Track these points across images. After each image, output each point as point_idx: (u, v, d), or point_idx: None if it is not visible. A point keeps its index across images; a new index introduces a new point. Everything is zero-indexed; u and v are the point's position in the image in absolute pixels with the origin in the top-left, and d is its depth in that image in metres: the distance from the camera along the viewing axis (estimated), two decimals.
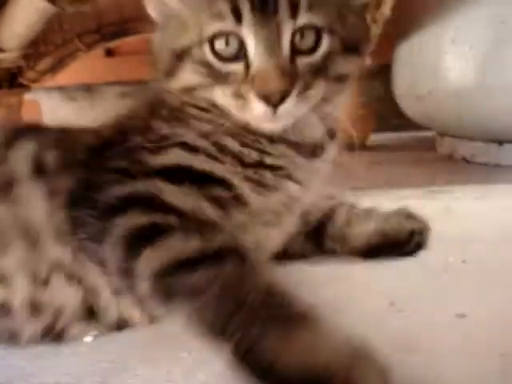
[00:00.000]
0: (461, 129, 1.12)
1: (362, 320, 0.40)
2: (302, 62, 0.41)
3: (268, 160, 0.46)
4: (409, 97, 1.18)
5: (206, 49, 0.42)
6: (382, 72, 1.27)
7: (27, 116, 1.46)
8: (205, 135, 0.43)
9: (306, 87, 0.41)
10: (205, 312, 0.34)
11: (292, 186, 0.47)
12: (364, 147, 1.40)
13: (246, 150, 0.45)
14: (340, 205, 0.59)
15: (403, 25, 1.10)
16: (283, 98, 0.39)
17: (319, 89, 0.42)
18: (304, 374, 0.29)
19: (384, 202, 0.79)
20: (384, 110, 1.42)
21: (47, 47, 1.32)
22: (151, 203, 0.40)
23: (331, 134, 0.51)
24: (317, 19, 0.41)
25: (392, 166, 1.17)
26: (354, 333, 0.32)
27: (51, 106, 1.70)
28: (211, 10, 0.41)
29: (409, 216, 0.58)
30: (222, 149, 0.44)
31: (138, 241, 0.37)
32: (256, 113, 0.41)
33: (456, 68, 0.99)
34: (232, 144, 0.44)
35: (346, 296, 0.48)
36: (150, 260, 0.36)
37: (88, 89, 1.62)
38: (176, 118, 0.45)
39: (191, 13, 0.42)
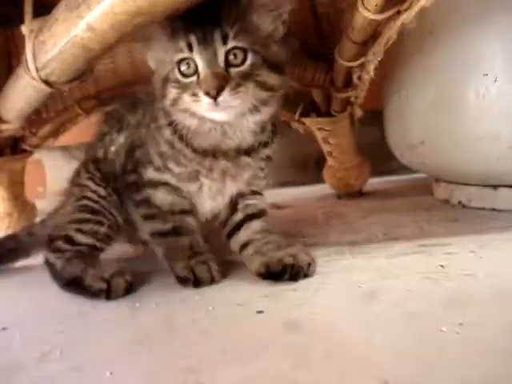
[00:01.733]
0: (456, 175, 1.14)
1: None
2: (234, 70, 0.65)
3: (194, 166, 0.76)
4: (401, 145, 1.20)
5: (175, 71, 0.68)
6: (376, 116, 1.30)
7: (30, 175, 1.50)
8: (169, 142, 0.75)
9: (237, 86, 0.64)
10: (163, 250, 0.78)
11: (207, 183, 0.78)
12: (360, 194, 1.41)
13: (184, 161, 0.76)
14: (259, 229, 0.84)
15: (390, 70, 1.13)
16: (218, 92, 0.63)
17: (247, 88, 0.65)
18: None
19: (380, 260, 0.81)
20: (380, 155, 1.43)
21: (48, 114, 1.36)
22: (148, 202, 0.79)
23: (262, 141, 0.75)
24: (242, 43, 0.65)
25: (389, 214, 1.17)
26: None
27: (54, 165, 1.74)
28: (175, 47, 0.67)
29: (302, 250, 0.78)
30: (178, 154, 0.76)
31: (145, 219, 0.81)
32: (204, 105, 0.65)
33: (445, 121, 1.01)
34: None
35: None
36: (145, 226, 0.81)
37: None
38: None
39: (166, 54, 0.69)
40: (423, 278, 0.70)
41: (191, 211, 0.80)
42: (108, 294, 0.72)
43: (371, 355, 0.49)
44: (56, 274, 0.78)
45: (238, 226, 0.82)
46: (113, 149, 0.85)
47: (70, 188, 0.91)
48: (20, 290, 0.88)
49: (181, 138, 0.73)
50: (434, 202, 1.25)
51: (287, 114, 1.33)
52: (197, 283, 0.73)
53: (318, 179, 1.72)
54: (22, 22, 0.73)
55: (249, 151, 0.75)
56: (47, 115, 1.37)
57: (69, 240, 0.80)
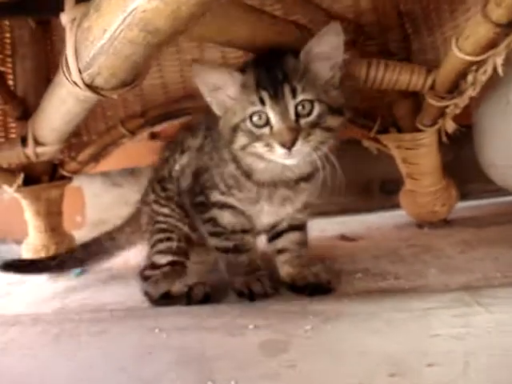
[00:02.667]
0: None
1: None
2: (303, 121, 0.71)
3: (255, 194, 0.82)
4: (505, 166, 0.99)
5: (248, 122, 0.72)
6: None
7: (68, 204, 1.36)
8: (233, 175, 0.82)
9: (307, 135, 0.71)
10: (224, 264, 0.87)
11: (266, 206, 0.84)
12: (445, 222, 1.19)
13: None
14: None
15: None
16: (293, 143, 0.69)
17: (316, 136, 0.71)
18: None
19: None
20: (453, 177, 1.20)
21: (89, 136, 1.23)
22: (215, 222, 0.86)
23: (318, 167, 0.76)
24: (309, 95, 0.70)
25: (492, 247, 0.96)
26: None
27: (94, 192, 1.61)
28: (248, 101, 0.72)
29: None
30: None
31: (210, 235, 0.88)
32: (278, 154, 0.71)
33: None
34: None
35: None
36: (210, 240, 0.88)
37: (132, 173, 1.52)
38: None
39: (237, 105, 0.74)
40: None
41: (251, 230, 0.89)
42: (188, 299, 0.85)
43: None
44: (151, 299, 0.90)
45: (281, 233, 0.92)
46: (177, 168, 0.93)
47: (140, 205, 1.03)
48: None
49: (244, 173, 0.80)
50: None
51: (358, 131, 1.16)
52: (252, 297, 0.82)
53: (384, 206, 1.52)
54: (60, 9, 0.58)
55: (307, 178, 0.82)
56: (88, 137, 1.24)
57: (153, 266, 0.92)
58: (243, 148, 0.74)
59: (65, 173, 1.22)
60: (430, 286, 0.81)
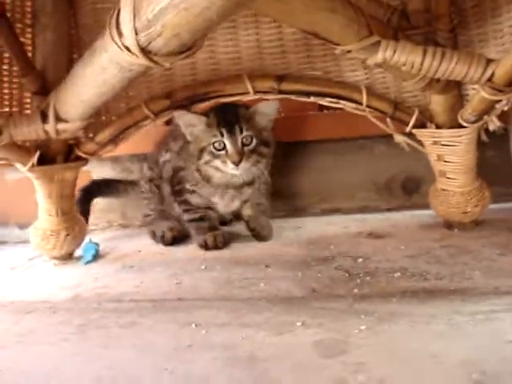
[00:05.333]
0: None
1: None
2: (246, 148, 1.10)
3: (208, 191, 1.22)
4: None
5: (211, 147, 1.10)
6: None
7: (78, 187, 1.29)
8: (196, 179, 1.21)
9: (248, 157, 1.10)
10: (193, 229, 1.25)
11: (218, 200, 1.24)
12: (476, 223, 1.15)
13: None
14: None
15: None
16: (240, 161, 1.08)
17: (253, 158, 1.11)
18: None
19: None
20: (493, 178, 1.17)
21: (109, 116, 1.16)
22: (187, 202, 1.25)
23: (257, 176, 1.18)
24: (250, 133, 1.10)
25: None
26: None
27: (104, 177, 1.54)
28: (212, 133, 1.10)
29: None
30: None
31: (183, 211, 1.26)
32: (230, 168, 1.09)
33: None
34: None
35: None
36: (184, 215, 1.27)
37: (143, 159, 1.45)
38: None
39: (204, 135, 1.12)
40: None
41: (212, 208, 1.25)
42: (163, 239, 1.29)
43: None
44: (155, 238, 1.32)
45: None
46: (161, 161, 1.32)
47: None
48: None
49: (204, 178, 1.18)
50: None
51: (392, 126, 1.11)
52: (208, 248, 1.18)
53: (406, 205, 1.48)
54: None
55: (249, 184, 1.20)
56: (107, 117, 1.17)
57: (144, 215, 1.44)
58: (207, 163, 1.12)
59: (81, 154, 1.15)
60: (479, 289, 0.77)
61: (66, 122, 0.93)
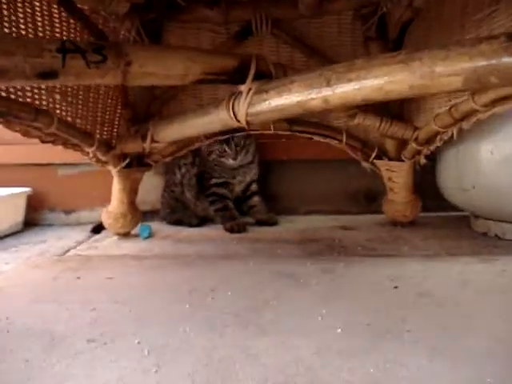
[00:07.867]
0: (495, 213, 1.49)
1: None
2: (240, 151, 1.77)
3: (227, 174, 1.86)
4: (454, 188, 1.56)
5: (217, 152, 1.80)
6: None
7: None
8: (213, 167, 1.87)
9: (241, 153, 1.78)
10: (220, 218, 1.81)
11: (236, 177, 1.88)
12: (411, 223, 1.75)
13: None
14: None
15: None
16: (237, 157, 1.76)
17: (246, 155, 1.80)
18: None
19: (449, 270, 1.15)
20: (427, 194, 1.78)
21: None
22: (214, 194, 1.85)
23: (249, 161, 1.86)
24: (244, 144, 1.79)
25: (438, 240, 1.52)
26: None
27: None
28: (220, 146, 1.78)
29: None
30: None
31: (210, 203, 1.86)
32: (230, 161, 1.77)
33: (493, 172, 1.37)
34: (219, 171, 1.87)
35: None
36: (211, 206, 1.86)
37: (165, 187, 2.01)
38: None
39: (214, 147, 1.82)
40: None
41: (231, 198, 1.87)
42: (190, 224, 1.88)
43: None
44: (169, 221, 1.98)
45: (249, 197, 1.92)
46: (178, 176, 1.93)
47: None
48: None
49: (216, 165, 1.82)
50: (474, 233, 1.60)
51: (362, 156, 1.69)
52: (233, 231, 1.70)
53: (367, 210, 2.08)
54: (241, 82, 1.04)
55: (250, 163, 1.86)
56: None
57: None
58: (215, 158, 1.80)
59: (149, 161, 1.67)
60: (404, 255, 1.35)
61: (157, 142, 1.46)
